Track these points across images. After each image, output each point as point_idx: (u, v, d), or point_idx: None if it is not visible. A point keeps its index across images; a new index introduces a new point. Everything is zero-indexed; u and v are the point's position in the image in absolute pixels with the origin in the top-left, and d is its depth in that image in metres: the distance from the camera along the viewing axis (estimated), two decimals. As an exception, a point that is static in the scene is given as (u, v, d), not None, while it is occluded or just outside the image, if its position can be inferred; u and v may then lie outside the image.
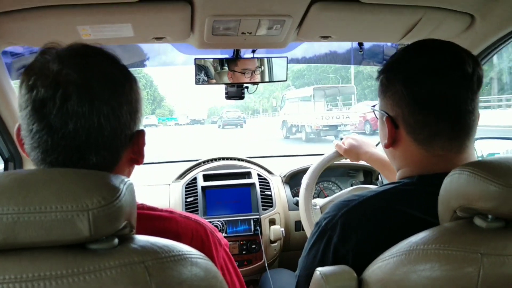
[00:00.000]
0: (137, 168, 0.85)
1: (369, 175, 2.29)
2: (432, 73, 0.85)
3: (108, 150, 0.72)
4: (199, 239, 0.85)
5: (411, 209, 0.82)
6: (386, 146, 0.95)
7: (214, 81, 1.63)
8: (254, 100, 47.24)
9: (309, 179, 1.57)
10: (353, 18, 1.26)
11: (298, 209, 1.66)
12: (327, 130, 16.68)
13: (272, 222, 2.00)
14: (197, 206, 1.95)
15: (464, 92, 0.84)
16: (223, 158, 2.26)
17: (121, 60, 0.77)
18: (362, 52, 1.60)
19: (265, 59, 1.64)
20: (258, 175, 2.13)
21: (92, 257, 0.53)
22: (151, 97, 45.44)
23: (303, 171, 1.75)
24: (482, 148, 1.95)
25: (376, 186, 1.10)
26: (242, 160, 2.27)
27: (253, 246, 1.94)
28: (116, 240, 0.57)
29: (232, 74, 1.63)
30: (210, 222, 1.51)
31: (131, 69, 0.79)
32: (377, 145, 1.80)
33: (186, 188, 2.04)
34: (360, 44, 1.57)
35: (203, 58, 1.60)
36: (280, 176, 2.22)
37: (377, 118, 1.01)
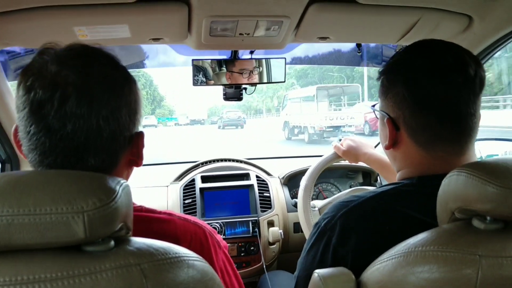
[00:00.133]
0: (135, 170, 0.85)
1: (368, 176, 2.28)
2: (434, 75, 0.84)
3: (107, 152, 0.72)
4: (198, 241, 0.85)
5: (411, 210, 0.82)
6: (387, 148, 0.94)
7: (212, 82, 1.62)
8: (257, 99, 46.29)
9: (307, 181, 1.57)
10: (351, 19, 1.26)
11: (296, 211, 1.66)
12: (331, 131, 16.18)
13: (270, 224, 1.99)
14: (195, 208, 1.95)
15: (466, 94, 0.84)
16: (222, 160, 2.26)
17: (121, 60, 0.77)
18: (360, 53, 1.60)
19: (263, 60, 1.64)
20: (257, 176, 2.13)
21: (87, 259, 0.53)
22: (150, 96, 45.02)
23: (302, 172, 1.75)
24: (481, 149, 1.94)
25: (375, 188, 1.10)
26: (241, 161, 2.26)
27: (252, 248, 1.94)
28: (112, 242, 0.56)
29: (230, 75, 1.63)
30: (208, 224, 1.50)
31: (130, 70, 0.79)
32: (376, 146, 1.80)
33: (184, 189, 2.03)
34: (358, 45, 1.57)
35: (201, 59, 1.60)
36: (278, 178, 2.22)
37: (377, 118, 1.00)
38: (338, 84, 23.19)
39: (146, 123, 28.80)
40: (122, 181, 0.59)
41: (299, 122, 18.06)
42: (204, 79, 1.61)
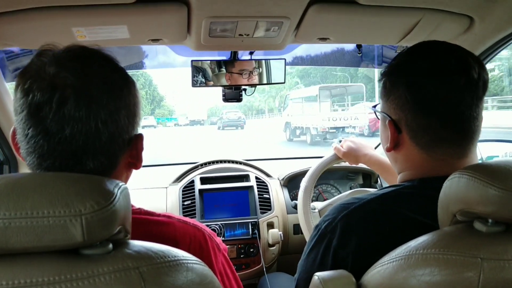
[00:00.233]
0: (134, 171, 0.84)
1: (368, 178, 2.28)
2: (436, 77, 0.84)
3: (106, 155, 0.71)
4: (197, 244, 0.84)
5: (412, 212, 0.82)
6: (388, 150, 0.94)
7: (211, 83, 1.62)
8: (259, 99, 45.07)
9: (307, 182, 1.57)
10: (351, 20, 1.25)
11: (296, 213, 1.66)
12: (334, 133, 15.48)
13: (270, 225, 1.99)
14: (194, 210, 1.94)
15: (469, 97, 0.84)
16: (221, 161, 2.25)
17: (120, 61, 0.76)
18: (360, 54, 1.59)
19: (263, 61, 1.64)
20: (256, 178, 2.12)
21: (85, 263, 0.53)
22: (150, 96, 44.57)
23: (302, 174, 1.75)
24: (481, 150, 1.94)
25: (375, 189, 1.09)
26: (240, 163, 2.26)
27: (251, 249, 1.93)
28: (110, 245, 0.56)
29: (229, 76, 1.62)
30: (207, 225, 1.50)
31: (129, 71, 0.78)
32: (376, 147, 1.79)
33: (183, 191, 2.03)
34: (359, 46, 1.57)
35: (200, 60, 1.59)
36: (278, 179, 2.22)
37: (378, 119, 1.00)
38: (342, 84, 21.92)
39: (145, 124, 28.64)
40: (120, 184, 0.59)
41: (301, 123, 17.59)
42: (203, 80, 1.61)
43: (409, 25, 1.29)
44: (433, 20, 1.25)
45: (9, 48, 1.40)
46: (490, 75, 0.88)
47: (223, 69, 1.61)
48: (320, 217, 1.32)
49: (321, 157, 1.64)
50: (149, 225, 0.81)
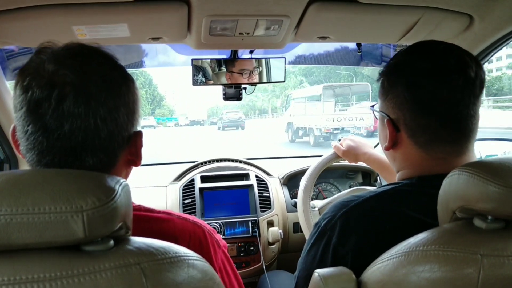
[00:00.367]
0: (134, 170, 0.85)
1: (368, 176, 2.28)
2: (435, 77, 0.84)
3: (105, 152, 0.72)
4: (197, 240, 0.84)
5: (411, 210, 0.82)
6: (386, 149, 0.95)
7: (211, 82, 1.62)
8: (262, 98, 44.04)
9: (307, 181, 1.57)
10: (351, 19, 1.26)
11: (296, 211, 1.66)
12: (339, 134, 14.44)
13: (270, 224, 1.99)
14: (194, 208, 1.95)
15: (467, 96, 0.84)
16: (221, 160, 2.26)
17: (119, 60, 0.77)
18: (360, 53, 1.59)
19: (263, 60, 1.64)
20: (256, 176, 2.12)
21: (87, 259, 0.53)
22: (150, 96, 44.06)
23: (301, 172, 1.75)
24: (480, 149, 1.94)
25: (375, 188, 1.10)
26: (240, 161, 2.26)
27: (251, 248, 1.93)
28: (112, 242, 0.56)
29: (230, 75, 1.62)
30: (208, 224, 1.49)
31: (130, 70, 0.78)
32: (375, 146, 1.80)
33: (183, 189, 2.03)
34: (359, 45, 1.57)
35: (201, 59, 1.60)
36: (278, 178, 2.22)
37: (376, 119, 1.00)
38: (346, 83, 21.20)
39: (144, 124, 28.38)
40: (121, 180, 0.59)
41: (304, 124, 16.94)
42: (203, 79, 1.61)
43: (409, 23, 1.29)
44: (433, 19, 1.25)
45: (9, 47, 1.40)
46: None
47: (223, 68, 1.62)
48: (320, 215, 1.32)
49: (317, 156, 1.64)
50: (149, 222, 0.82)
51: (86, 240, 0.53)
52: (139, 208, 0.83)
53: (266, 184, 2.11)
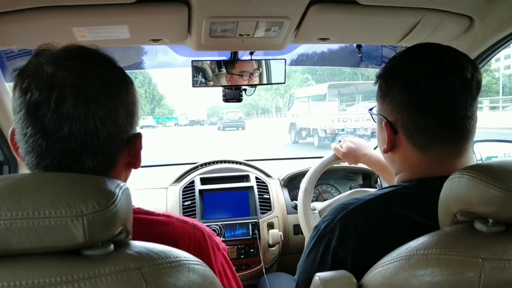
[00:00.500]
0: (133, 172, 0.84)
1: (368, 178, 2.28)
2: (431, 79, 0.85)
3: (105, 154, 0.71)
4: (197, 243, 0.84)
5: (410, 212, 0.82)
6: (385, 151, 0.95)
7: (211, 83, 1.62)
8: (266, 97, 42.88)
9: (307, 183, 1.57)
10: (352, 20, 1.25)
11: (296, 213, 1.66)
12: (345, 135, 13.43)
13: (270, 226, 1.99)
14: (194, 210, 1.94)
15: (464, 97, 0.85)
16: (221, 161, 2.25)
17: (119, 61, 0.77)
18: (360, 54, 1.59)
19: (263, 61, 1.64)
20: (256, 178, 2.12)
21: (87, 264, 0.52)
22: (150, 95, 43.56)
23: (302, 174, 1.75)
24: (480, 151, 1.94)
25: (375, 189, 1.09)
26: (240, 163, 2.26)
27: (251, 250, 1.93)
28: (112, 246, 0.56)
29: (230, 77, 1.63)
30: (207, 226, 1.49)
31: (129, 71, 0.78)
32: (375, 147, 1.79)
33: (183, 191, 2.03)
34: (359, 46, 1.57)
35: (201, 60, 1.60)
36: (278, 180, 2.22)
37: (374, 122, 1.01)
38: (352, 82, 19.68)
39: (143, 124, 28.15)
40: (122, 184, 0.59)
41: (308, 124, 16.15)
42: (203, 80, 1.61)
43: (409, 25, 1.29)
44: (433, 21, 1.25)
45: (9, 48, 1.39)
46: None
47: (223, 69, 1.62)
48: (320, 217, 1.32)
49: (317, 157, 1.64)
50: (149, 224, 0.81)
51: (86, 245, 0.53)
52: (138, 211, 0.82)
53: (266, 185, 2.11)
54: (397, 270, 0.67)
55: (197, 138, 21.17)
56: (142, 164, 0.82)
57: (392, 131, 0.91)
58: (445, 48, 0.89)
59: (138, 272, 0.53)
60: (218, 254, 0.89)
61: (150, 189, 2.10)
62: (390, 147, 0.93)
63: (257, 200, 2.02)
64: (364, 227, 0.84)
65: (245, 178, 2.14)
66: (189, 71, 1.60)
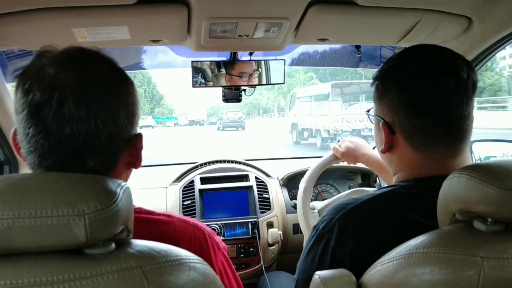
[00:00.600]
0: (133, 171, 0.85)
1: (367, 177, 2.29)
2: (428, 79, 0.86)
3: (106, 154, 0.72)
4: (197, 243, 0.85)
5: (408, 212, 0.83)
6: (383, 152, 0.96)
7: (211, 83, 1.63)
8: (268, 96, 41.97)
9: (306, 183, 1.57)
10: (351, 21, 1.26)
11: (296, 212, 1.66)
12: (349, 136, 13.16)
13: (270, 225, 1.99)
14: (194, 209, 1.95)
15: (460, 97, 0.86)
16: (221, 161, 2.26)
17: (118, 61, 0.77)
18: (359, 55, 1.60)
19: (262, 62, 1.64)
20: (256, 178, 2.12)
21: (88, 262, 0.53)
22: (149, 94, 43.10)
23: (301, 173, 1.75)
24: (479, 150, 1.95)
25: (374, 189, 1.10)
26: (240, 163, 2.26)
27: (251, 249, 1.93)
28: (113, 245, 0.56)
29: (229, 78, 1.63)
30: (207, 225, 1.50)
31: (129, 71, 0.79)
32: (374, 147, 1.80)
33: (183, 191, 2.03)
34: (358, 47, 1.57)
35: (200, 61, 1.60)
36: (278, 179, 2.22)
37: (372, 123, 1.01)
38: (356, 81, 18.94)
39: (142, 124, 27.86)
40: (123, 184, 0.59)
41: (310, 124, 15.67)
42: (203, 81, 1.61)
43: (408, 26, 1.29)
44: (432, 21, 1.25)
45: (9, 49, 1.40)
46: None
47: (223, 70, 1.62)
48: (320, 217, 1.33)
49: (317, 157, 1.64)
50: (150, 224, 0.82)
51: (88, 244, 0.53)
52: (139, 211, 0.83)
53: (266, 185, 2.11)
54: (396, 269, 0.67)
55: (196, 138, 20.93)
56: (142, 163, 0.82)
57: (390, 131, 0.92)
58: (440, 49, 0.90)
59: (139, 270, 0.54)
60: (219, 253, 0.90)
61: (150, 188, 2.10)
62: (388, 148, 0.94)
63: (257, 200, 2.02)
64: (363, 226, 0.85)
65: (245, 177, 2.14)
66: (189, 71, 1.60)
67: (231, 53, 1.60)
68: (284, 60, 1.66)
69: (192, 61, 1.58)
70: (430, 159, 0.88)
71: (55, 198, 0.51)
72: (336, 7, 1.17)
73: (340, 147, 1.56)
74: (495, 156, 2.04)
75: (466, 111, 0.87)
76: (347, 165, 1.67)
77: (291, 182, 2.19)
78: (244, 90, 1.72)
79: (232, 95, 1.73)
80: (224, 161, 2.26)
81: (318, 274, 0.76)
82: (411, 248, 0.67)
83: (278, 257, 2.02)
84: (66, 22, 1.13)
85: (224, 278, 0.89)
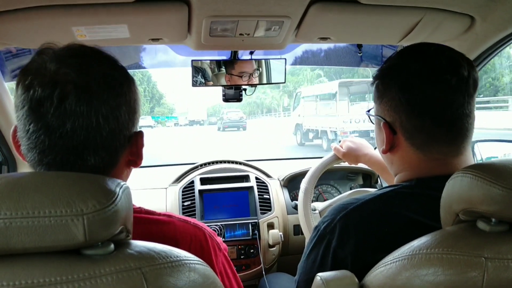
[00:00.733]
0: (133, 172, 0.84)
1: (368, 178, 2.28)
2: (428, 78, 0.85)
3: (107, 150, 0.72)
4: (198, 243, 0.84)
5: (410, 212, 0.82)
6: (384, 152, 0.95)
7: (211, 83, 1.62)
8: (272, 95, 40.93)
9: (307, 184, 1.56)
10: (352, 19, 1.25)
11: (297, 213, 1.65)
12: (357, 137, 12.20)
13: (270, 226, 1.98)
14: (194, 210, 1.94)
15: (461, 96, 0.85)
16: (221, 161, 2.25)
17: (119, 60, 0.77)
18: (361, 54, 1.59)
19: (263, 61, 1.64)
20: (256, 178, 2.12)
21: (87, 263, 0.52)
22: (149, 94, 42.75)
23: (302, 174, 1.74)
24: (481, 151, 1.94)
25: (375, 190, 1.09)
26: (240, 163, 2.25)
27: (251, 250, 1.93)
28: (112, 246, 0.56)
29: (229, 77, 1.62)
30: (208, 226, 1.49)
31: (128, 70, 0.79)
32: (376, 147, 1.79)
33: (183, 191, 2.02)
34: (359, 46, 1.57)
35: (200, 60, 1.59)
36: (278, 180, 2.21)
37: (372, 123, 1.01)
38: (363, 79, 17.56)
39: (142, 124, 27.65)
40: (122, 183, 0.58)
41: (315, 125, 14.96)
42: (203, 80, 1.61)
43: (410, 24, 1.29)
44: (434, 20, 1.25)
45: (8, 48, 1.39)
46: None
47: (223, 69, 1.61)
48: (321, 217, 1.32)
49: (318, 157, 1.64)
50: (150, 224, 0.81)
51: (87, 244, 0.52)
52: (139, 210, 0.82)
53: (266, 186, 2.10)
54: (399, 270, 0.66)
55: (196, 139, 20.76)
56: (142, 164, 0.82)
57: (391, 131, 0.92)
58: (440, 47, 0.90)
59: (139, 271, 0.53)
60: (219, 254, 0.89)
61: (149, 189, 2.10)
62: (389, 148, 0.93)
63: (257, 200, 2.02)
64: (364, 227, 0.84)
65: (245, 178, 2.14)
66: (189, 70, 1.60)
67: (231, 52, 1.59)
68: (285, 59, 1.65)
69: (192, 60, 1.58)
70: (432, 159, 0.88)
71: (53, 197, 0.51)
72: (338, 5, 1.17)
73: (341, 147, 1.56)
74: (497, 157, 2.04)
75: (467, 110, 0.86)
76: (348, 165, 1.66)
77: (292, 183, 2.19)
78: (245, 89, 1.72)
79: (233, 94, 1.73)
80: (224, 162, 2.25)
81: (320, 275, 0.76)
82: (414, 249, 0.66)
83: (279, 258, 2.01)
84: (65, 21, 1.13)
85: (225, 280, 0.89)
